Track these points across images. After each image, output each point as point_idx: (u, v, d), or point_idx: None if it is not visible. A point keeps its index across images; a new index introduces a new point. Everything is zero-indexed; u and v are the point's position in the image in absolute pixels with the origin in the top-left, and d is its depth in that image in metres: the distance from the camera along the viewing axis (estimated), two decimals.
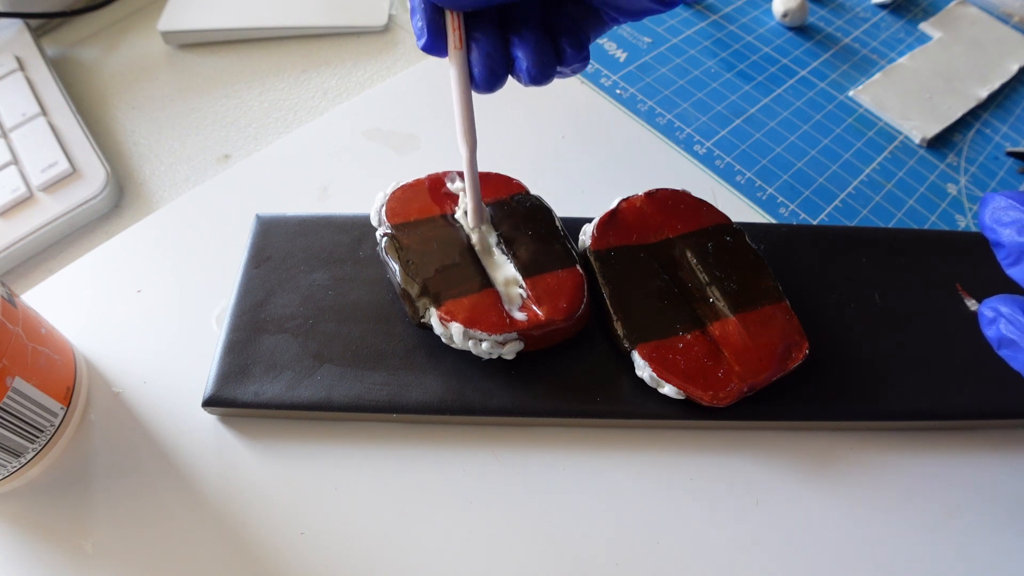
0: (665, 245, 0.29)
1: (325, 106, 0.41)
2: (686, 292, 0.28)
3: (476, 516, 0.26)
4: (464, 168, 0.26)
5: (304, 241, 0.31)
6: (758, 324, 0.27)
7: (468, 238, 0.28)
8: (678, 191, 0.31)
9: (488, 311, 0.26)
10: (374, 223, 0.29)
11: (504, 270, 0.28)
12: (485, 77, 0.24)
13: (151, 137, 0.39)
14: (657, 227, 0.29)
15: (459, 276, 0.27)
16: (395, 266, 0.27)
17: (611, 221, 0.29)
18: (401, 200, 0.29)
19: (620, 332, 0.27)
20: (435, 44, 0.24)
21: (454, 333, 0.26)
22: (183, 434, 0.27)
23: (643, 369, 0.26)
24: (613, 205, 0.30)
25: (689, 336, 0.26)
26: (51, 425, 0.25)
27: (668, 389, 0.26)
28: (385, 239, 0.28)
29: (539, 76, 0.24)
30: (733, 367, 0.26)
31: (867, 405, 0.27)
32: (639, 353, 0.26)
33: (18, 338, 0.23)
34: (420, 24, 0.24)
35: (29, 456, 0.25)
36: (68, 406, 0.26)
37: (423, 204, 0.29)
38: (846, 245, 0.32)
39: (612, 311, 0.27)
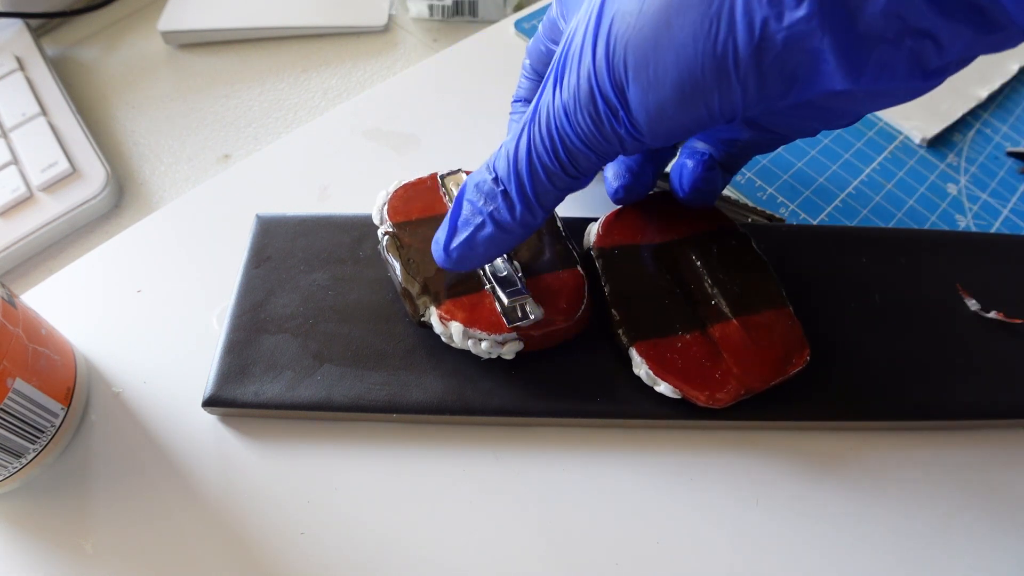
0: (670, 246, 0.29)
1: (325, 106, 0.41)
2: (688, 293, 0.28)
3: (476, 516, 0.26)
4: None
5: (304, 241, 0.31)
6: (759, 328, 0.27)
7: None
8: None
9: (488, 311, 0.26)
10: (376, 221, 0.29)
11: None
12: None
13: (151, 137, 0.39)
14: (662, 228, 0.29)
15: (459, 275, 0.27)
16: (396, 264, 0.27)
17: (617, 220, 0.29)
18: (403, 198, 0.29)
19: (619, 329, 0.27)
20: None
21: (454, 332, 0.26)
22: (183, 434, 0.27)
23: (640, 366, 0.26)
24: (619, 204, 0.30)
25: (688, 336, 0.26)
26: (51, 426, 0.25)
27: (664, 387, 0.26)
28: (387, 237, 0.28)
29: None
30: (732, 369, 0.26)
31: (866, 405, 0.27)
32: (636, 350, 0.26)
33: (18, 339, 0.23)
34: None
35: (30, 457, 0.25)
36: (68, 406, 0.26)
37: (426, 203, 0.29)
38: (846, 245, 0.32)
39: (612, 307, 0.27)
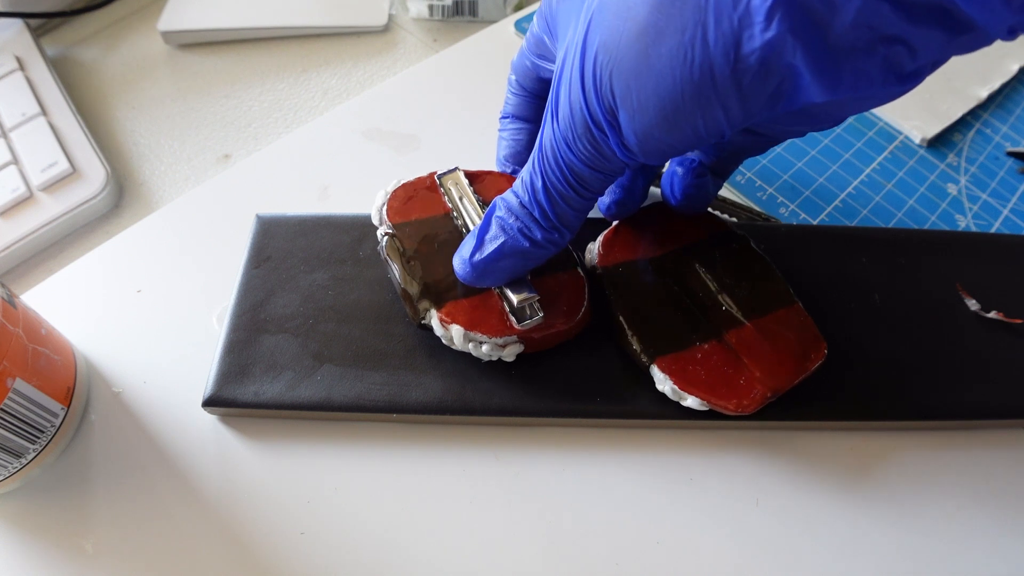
0: (671, 257, 0.29)
1: (325, 106, 0.41)
2: (698, 302, 0.27)
3: (476, 516, 0.26)
4: None
5: (304, 241, 0.31)
6: (774, 328, 0.27)
7: None
8: None
9: (489, 314, 0.26)
10: (375, 222, 0.29)
11: None
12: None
13: (151, 137, 0.39)
14: (660, 240, 0.29)
15: None
16: (395, 266, 0.27)
17: (615, 237, 0.29)
18: (403, 199, 0.29)
19: (636, 347, 0.26)
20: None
21: (454, 335, 0.26)
22: (183, 434, 0.27)
23: (664, 382, 0.26)
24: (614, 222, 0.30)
25: (706, 345, 0.26)
26: (52, 426, 0.25)
27: (692, 401, 0.25)
28: (386, 238, 0.28)
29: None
30: (754, 373, 0.26)
31: (866, 405, 0.27)
32: (658, 367, 0.26)
33: (18, 339, 0.23)
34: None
35: (30, 456, 0.25)
36: (68, 406, 0.26)
37: (425, 203, 0.29)
38: (846, 245, 0.32)
39: (626, 327, 0.27)
